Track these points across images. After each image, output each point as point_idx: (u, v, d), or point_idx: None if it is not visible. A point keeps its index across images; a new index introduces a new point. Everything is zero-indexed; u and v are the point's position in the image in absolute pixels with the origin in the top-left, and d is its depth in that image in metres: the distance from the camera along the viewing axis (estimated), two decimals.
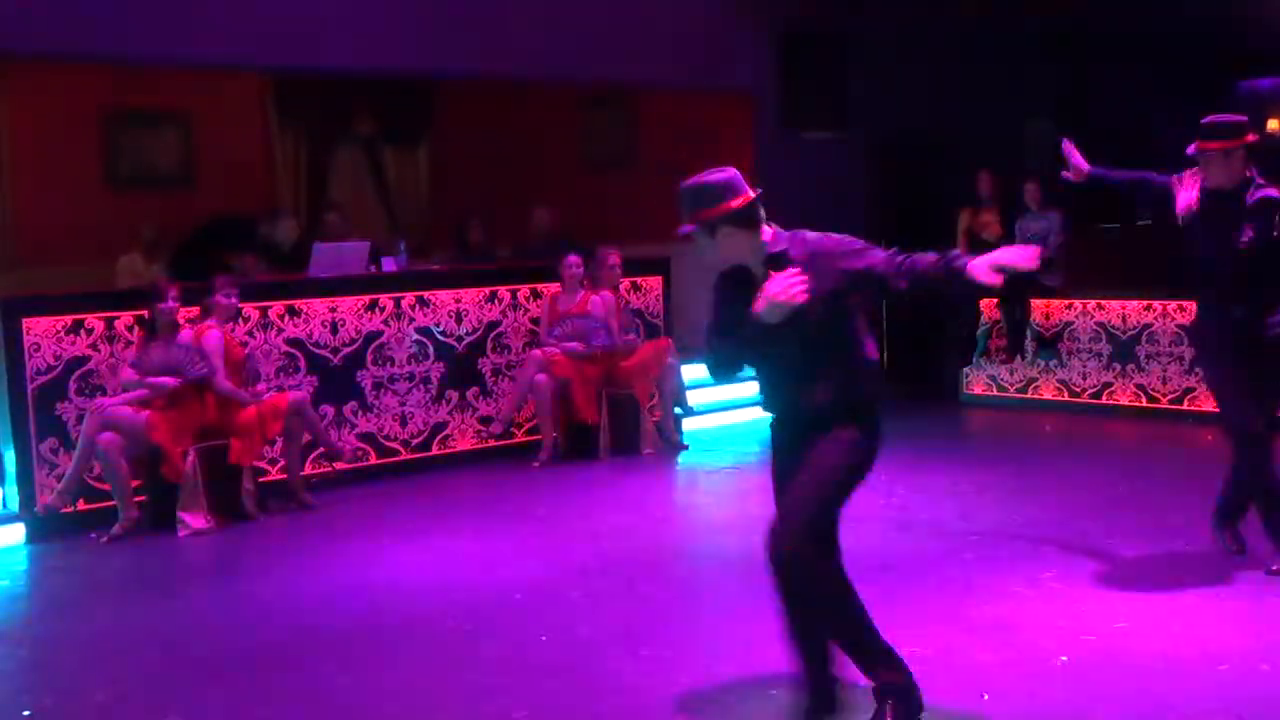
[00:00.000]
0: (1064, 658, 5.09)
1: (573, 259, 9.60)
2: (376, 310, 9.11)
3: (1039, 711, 4.65)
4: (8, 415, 7.76)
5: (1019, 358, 11.24)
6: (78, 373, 7.89)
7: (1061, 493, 7.96)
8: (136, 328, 8.00)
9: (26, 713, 4.99)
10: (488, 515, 8.03)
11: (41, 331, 7.80)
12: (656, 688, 4.97)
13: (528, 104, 12.59)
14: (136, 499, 7.70)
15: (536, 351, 9.47)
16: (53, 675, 5.49)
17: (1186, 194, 6.02)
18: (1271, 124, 12.79)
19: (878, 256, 4.29)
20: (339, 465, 8.66)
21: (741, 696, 4.87)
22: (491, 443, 9.53)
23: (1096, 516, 7.25)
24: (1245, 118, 5.90)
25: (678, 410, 10.01)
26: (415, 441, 9.29)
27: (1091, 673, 4.95)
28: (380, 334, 9.11)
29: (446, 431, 9.44)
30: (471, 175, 12.70)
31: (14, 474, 7.76)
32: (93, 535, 7.61)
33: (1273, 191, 5.83)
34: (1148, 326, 10.48)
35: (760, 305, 4.16)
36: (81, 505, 7.80)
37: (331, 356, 8.91)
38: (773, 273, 4.21)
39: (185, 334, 7.83)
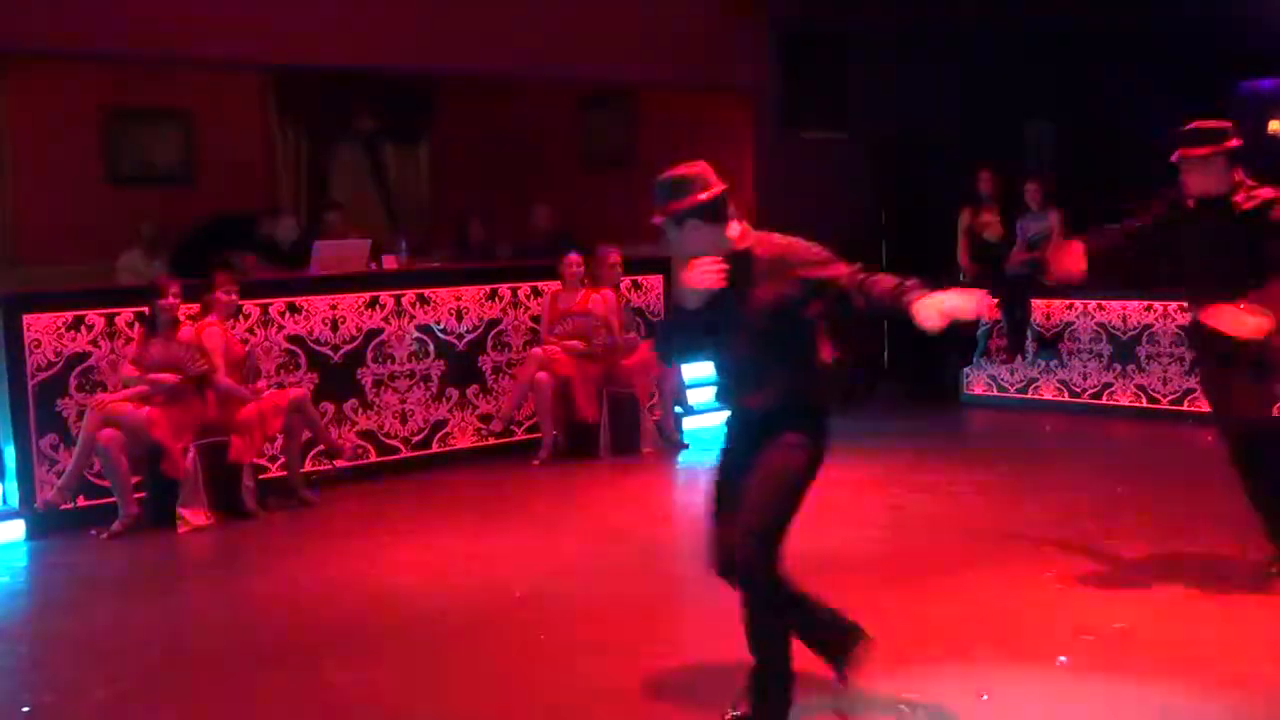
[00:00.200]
0: (1063, 658, 5.10)
1: (573, 257, 9.61)
2: (377, 308, 9.11)
3: (1038, 712, 4.66)
4: (8, 411, 7.76)
5: (1019, 358, 11.25)
6: (78, 369, 7.89)
7: (1061, 493, 7.96)
8: (137, 324, 8.00)
9: (26, 709, 5.00)
10: (487, 513, 8.03)
11: (42, 328, 7.80)
12: (656, 686, 4.98)
13: (528, 103, 12.58)
14: (136, 495, 7.71)
15: (537, 350, 9.47)
16: (52, 672, 5.49)
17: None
18: (1273, 125, 12.80)
19: (841, 270, 4.41)
20: (339, 463, 8.66)
21: (742, 694, 4.86)
22: (491, 441, 9.53)
23: (1096, 517, 7.26)
24: (1228, 124, 5.89)
25: (678, 409, 10.02)
26: (415, 439, 9.29)
27: (1090, 673, 4.95)
28: (381, 331, 9.11)
29: (447, 429, 9.44)
30: (472, 174, 12.70)
31: (14, 470, 7.76)
32: (93, 532, 7.60)
33: (1268, 192, 5.82)
34: (1148, 327, 10.48)
35: (679, 288, 4.34)
36: (81, 502, 7.80)
37: (332, 354, 8.91)
38: (693, 261, 4.36)
39: (186, 331, 7.83)
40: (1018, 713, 4.64)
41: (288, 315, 8.74)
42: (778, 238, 4.51)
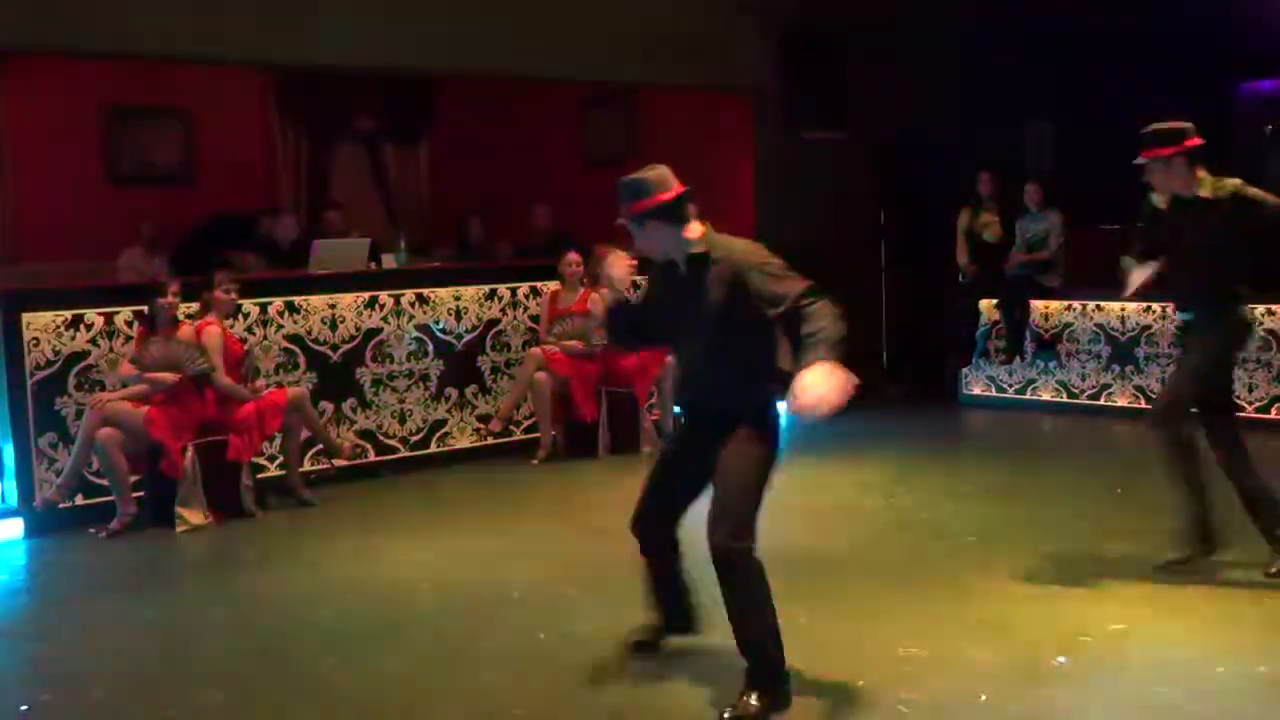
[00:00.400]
0: (1061, 659, 5.10)
1: (572, 257, 9.61)
2: (376, 307, 9.11)
3: (1036, 712, 4.66)
4: (7, 410, 7.76)
5: (1018, 359, 11.25)
6: (77, 368, 7.89)
7: (1060, 493, 7.96)
8: (136, 323, 8.00)
9: (24, 707, 4.99)
10: (486, 513, 8.03)
11: (41, 326, 7.79)
12: (655, 685, 4.98)
13: (528, 102, 12.59)
14: (135, 494, 7.71)
15: (536, 349, 9.48)
16: (50, 670, 5.48)
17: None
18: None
19: (788, 288, 4.47)
20: (338, 462, 8.66)
21: (735, 694, 4.86)
22: (490, 440, 9.53)
23: (1095, 518, 7.26)
24: (1188, 124, 5.96)
25: (677, 409, 10.01)
26: (414, 439, 9.29)
27: (1089, 674, 4.95)
28: (380, 331, 9.11)
29: (445, 429, 9.45)
30: (472, 173, 12.70)
31: (13, 469, 7.76)
32: (91, 530, 7.60)
33: (1234, 182, 5.92)
34: (1147, 328, 10.49)
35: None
36: (80, 500, 7.80)
37: (331, 353, 8.91)
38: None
39: (185, 330, 7.83)
40: (1016, 713, 4.63)
41: (287, 314, 8.74)
42: (738, 243, 4.67)
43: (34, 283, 9.13)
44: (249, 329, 8.53)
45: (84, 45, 8.37)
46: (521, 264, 10.41)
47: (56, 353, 7.84)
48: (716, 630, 5.55)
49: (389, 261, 10.03)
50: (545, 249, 10.51)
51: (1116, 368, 10.66)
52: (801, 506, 7.84)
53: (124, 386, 7.73)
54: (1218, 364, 6.17)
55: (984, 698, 4.73)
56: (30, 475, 7.73)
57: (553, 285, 9.75)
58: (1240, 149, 12.22)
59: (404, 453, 9.22)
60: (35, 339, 7.77)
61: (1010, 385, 11.32)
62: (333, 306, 8.92)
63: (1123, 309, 10.57)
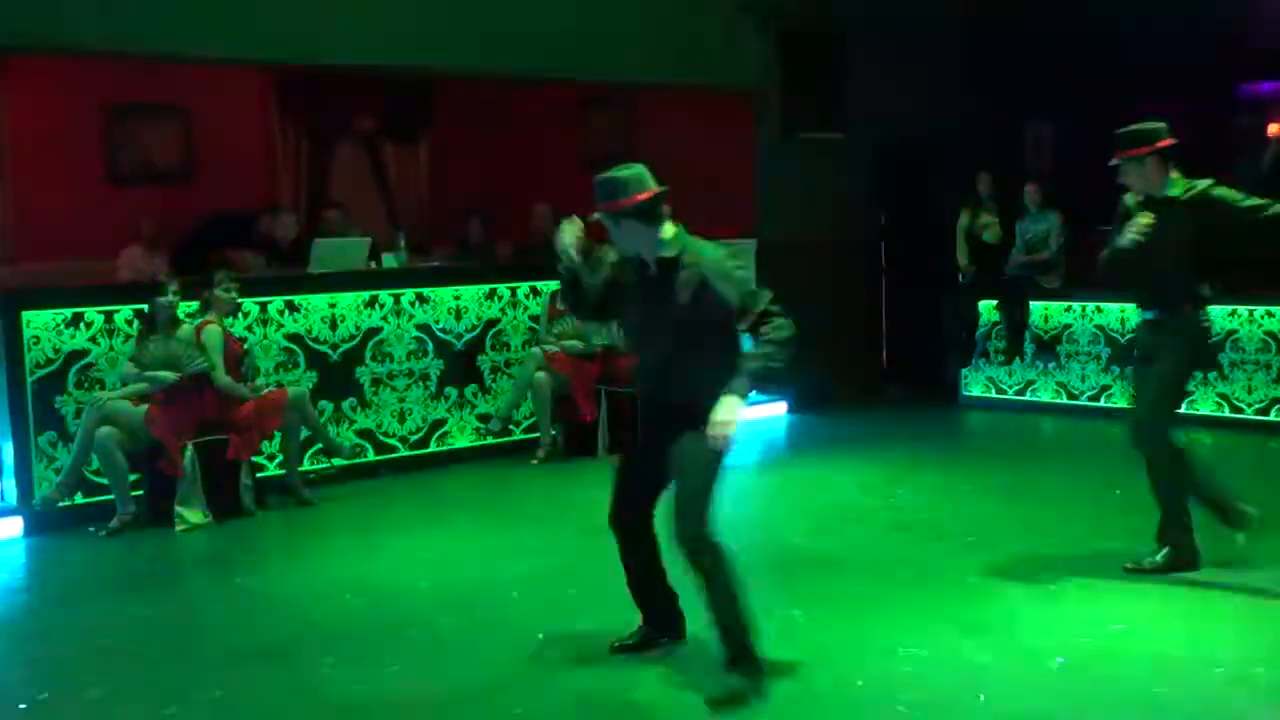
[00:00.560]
0: (1060, 659, 5.10)
1: None
2: (376, 306, 9.11)
3: (1035, 713, 4.66)
4: (6, 408, 7.76)
5: (1018, 359, 11.26)
6: (77, 366, 7.89)
7: (1059, 494, 7.97)
8: (136, 322, 8.00)
9: (23, 705, 4.99)
10: (485, 512, 8.03)
11: (41, 325, 7.79)
12: (651, 685, 4.98)
13: (528, 102, 12.58)
14: (134, 493, 7.71)
15: (536, 349, 9.48)
16: (49, 669, 5.49)
17: None
18: (1273, 128, 12.78)
19: (754, 302, 4.70)
20: (337, 461, 8.66)
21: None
22: (490, 440, 9.53)
23: (1094, 519, 7.27)
24: (1161, 124, 6.07)
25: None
26: (414, 438, 9.29)
27: (1087, 675, 4.96)
28: (379, 330, 9.11)
29: (445, 428, 9.45)
30: (471, 173, 12.69)
31: (12, 467, 7.76)
32: (91, 529, 7.61)
33: (1204, 182, 6.03)
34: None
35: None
36: (80, 499, 7.80)
37: (331, 352, 8.91)
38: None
39: (184, 329, 7.83)
40: (1015, 714, 4.64)
41: (286, 314, 8.74)
42: (708, 249, 4.82)
43: (34, 281, 9.13)
44: (249, 328, 8.53)
45: (84, 44, 8.36)
46: (521, 264, 10.41)
47: (56, 351, 7.84)
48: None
49: (389, 261, 10.02)
50: (545, 249, 10.49)
51: (1116, 369, 10.65)
52: (801, 506, 7.86)
53: (124, 385, 7.73)
54: (1188, 372, 6.37)
55: (983, 698, 4.74)
56: (30, 474, 7.73)
57: (552, 285, 9.75)
58: (1239, 150, 12.23)
59: (404, 452, 9.22)
60: (35, 337, 7.77)
61: (1010, 386, 11.32)
62: (332, 306, 8.92)
63: (1123, 310, 10.57)
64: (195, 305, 8.02)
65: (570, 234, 5.03)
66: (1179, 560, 6.16)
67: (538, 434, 9.44)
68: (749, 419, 10.55)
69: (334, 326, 8.92)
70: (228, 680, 5.18)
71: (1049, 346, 11.09)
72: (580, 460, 9.35)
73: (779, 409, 11.31)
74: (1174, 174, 6.07)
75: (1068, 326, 10.97)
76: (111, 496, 7.66)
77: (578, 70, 10.59)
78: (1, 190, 10.98)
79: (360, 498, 8.39)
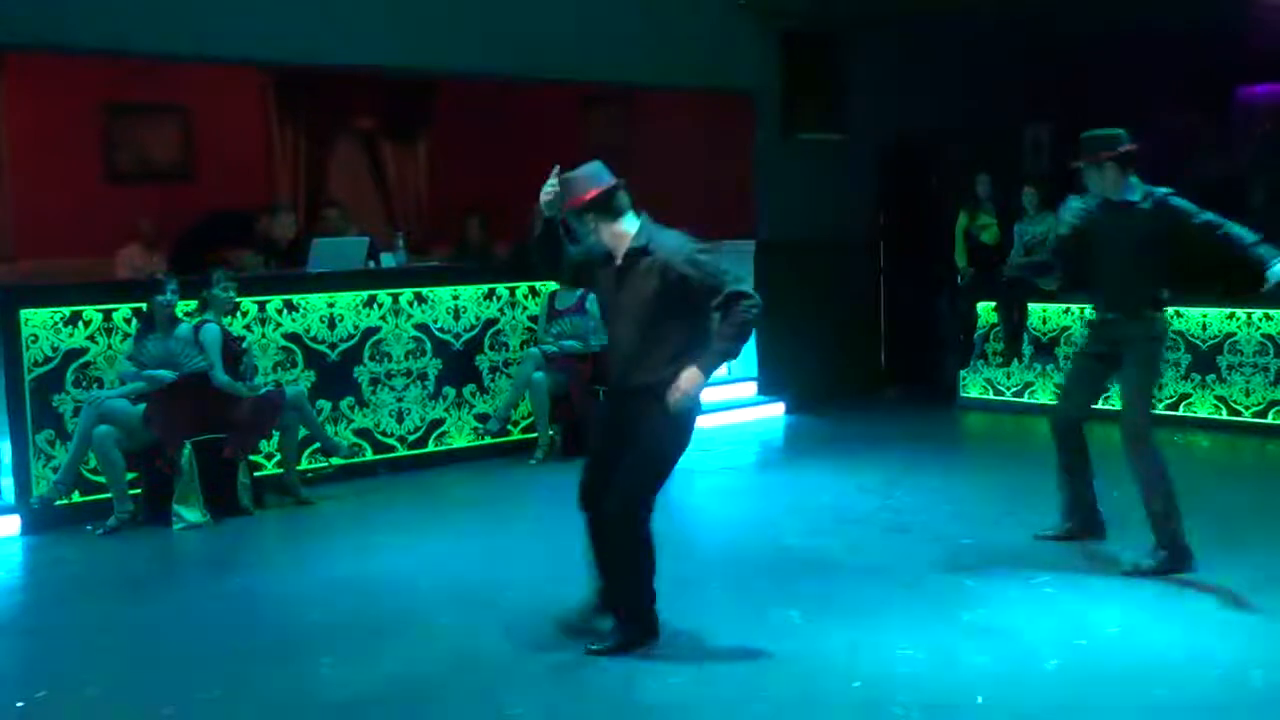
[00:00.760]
0: (1057, 661, 5.10)
1: None
2: (374, 306, 9.11)
3: (1032, 714, 4.66)
4: (4, 407, 7.75)
5: (1016, 361, 11.26)
6: (75, 365, 7.88)
7: (1057, 496, 7.95)
8: (134, 320, 7.99)
9: (20, 704, 4.99)
10: (483, 512, 8.04)
11: (39, 323, 7.79)
12: (650, 685, 4.98)
13: (527, 102, 12.58)
14: (132, 492, 7.70)
15: (534, 349, 9.48)
16: (47, 667, 5.49)
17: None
18: None
19: (720, 283, 4.91)
20: (335, 460, 8.66)
21: (732, 694, 4.87)
22: (488, 439, 9.53)
23: None
24: (1120, 131, 6.31)
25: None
26: (412, 438, 9.29)
27: (1084, 677, 4.96)
28: (378, 330, 9.11)
29: (443, 428, 9.45)
30: (470, 172, 12.69)
31: (10, 465, 7.75)
32: (88, 527, 7.60)
33: (1163, 191, 6.26)
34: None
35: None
36: (77, 497, 7.80)
37: (329, 352, 8.91)
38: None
39: (183, 327, 7.83)
40: (1012, 716, 4.64)
41: (285, 313, 8.74)
42: (671, 237, 5.03)
43: (32, 280, 9.12)
44: (247, 327, 8.53)
45: (83, 43, 8.36)
46: (520, 263, 10.40)
47: (55, 349, 7.84)
48: (715, 630, 5.56)
49: (387, 261, 10.01)
50: None
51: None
52: (799, 508, 7.86)
53: (122, 384, 7.73)
54: (1156, 375, 6.73)
55: (980, 699, 4.74)
56: (27, 472, 7.73)
57: (552, 286, 9.75)
58: (1238, 152, 12.24)
59: (401, 452, 9.22)
60: (33, 336, 7.77)
61: (1008, 388, 11.32)
62: (331, 305, 8.92)
63: None
64: (194, 304, 8.02)
65: (545, 194, 5.15)
66: (1176, 562, 6.20)
67: (536, 434, 9.44)
68: (749, 420, 10.59)
69: (332, 326, 8.92)
70: (226, 679, 5.17)
71: (1047, 348, 11.08)
72: (578, 460, 9.25)
73: (777, 409, 11.31)
74: (1133, 179, 6.30)
75: (1066, 329, 10.96)
76: (109, 495, 7.65)
77: (578, 70, 10.59)
78: (0, 188, 10.97)
79: (358, 497, 8.39)
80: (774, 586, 6.21)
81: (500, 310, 9.73)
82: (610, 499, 5.04)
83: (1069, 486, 6.82)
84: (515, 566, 6.64)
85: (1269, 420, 9.91)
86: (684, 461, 9.39)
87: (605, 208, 5.05)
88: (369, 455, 9.05)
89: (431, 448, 9.37)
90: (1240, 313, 10.05)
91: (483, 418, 9.57)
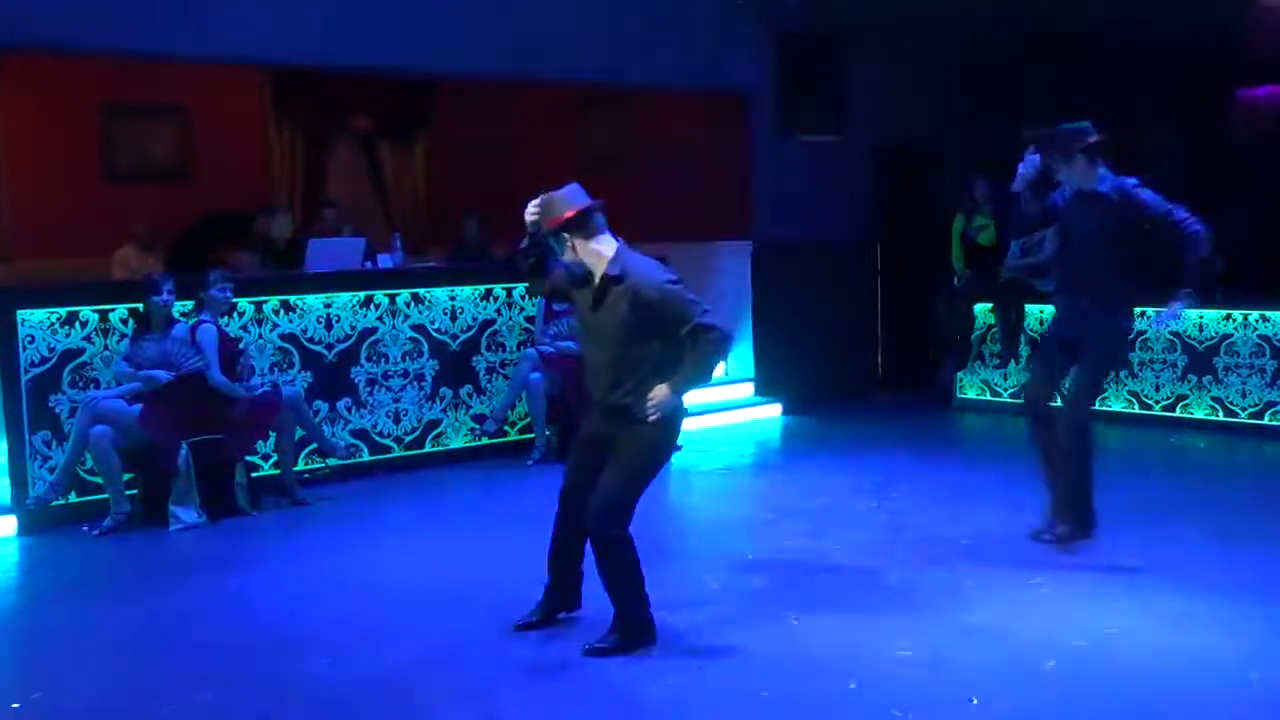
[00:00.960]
0: (1053, 662, 5.11)
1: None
2: (371, 307, 9.11)
3: (1028, 716, 4.66)
4: (1, 407, 7.75)
5: (1013, 362, 11.26)
6: (72, 365, 7.88)
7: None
8: (131, 321, 7.99)
9: (15, 705, 4.99)
10: (480, 513, 8.03)
11: (36, 323, 7.79)
12: (647, 686, 4.98)
13: (525, 103, 12.58)
14: (128, 492, 7.70)
15: (531, 350, 9.48)
16: (42, 669, 5.49)
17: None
18: None
19: (688, 314, 5.06)
20: (332, 461, 8.65)
21: (729, 695, 4.88)
22: (485, 440, 9.53)
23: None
24: (1087, 123, 6.54)
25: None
26: (409, 438, 9.29)
27: (1080, 679, 4.96)
28: (375, 330, 9.11)
29: (440, 429, 9.44)
30: (468, 173, 12.69)
31: (6, 466, 7.75)
32: (85, 528, 7.60)
33: (1130, 180, 6.51)
34: (1141, 333, 10.48)
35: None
36: (74, 498, 7.79)
37: (326, 352, 8.91)
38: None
39: (179, 327, 7.83)
40: (1008, 717, 4.64)
41: (282, 313, 8.73)
42: (645, 265, 5.21)
43: (30, 280, 9.12)
44: (244, 327, 8.52)
45: (81, 43, 8.36)
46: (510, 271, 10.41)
47: (51, 350, 7.83)
48: (711, 629, 5.57)
49: (385, 261, 10.01)
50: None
51: (1111, 372, 10.64)
52: (795, 509, 7.85)
53: (118, 384, 7.73)
54: (1111, 368, 7.14)
55: (976, 701, 4.74)
56: (24, 473, 7.72)
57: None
58: (1238, 153, 12.24)
59: (398, 452, 9.22)
60: (30, 336, 7.76)
61: (1005, 389, 11.32)
62: (328, 306, 8.92)
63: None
64: (190, 304, 8.01)
65: (529, 211, 5.41)
66: (1081, 531, 6.65)
67: (533, 435, 9.43)
68: (746, 420, 10.58)
69: (329, 326, 8.92)
70: (222, 680, 5.17)
71: None
72: None
73: (774, 410, 11.32)
74: (1102, 170, 6.53)
75: None
76: (105, 496, 7.64)
77: (575, 71, 10.60)
78: None
79: (355, 498, 8.38)
80: (771, 587, 6.21)
81: (497, 311, 9.73)
82: (594, 516, 5.18)
83: (1053, 480, 6.88)
84: (512, 567, 6.62)
85: (1266, 421, 9.92)
86: (681, 462, 9.50)
87: (582, 227, 5.22)
88: (366, 456, 9.05)
89: (428, 448, 9.37)
90: (1237, 314, 10.06)
91: (480, 418, 9.57)
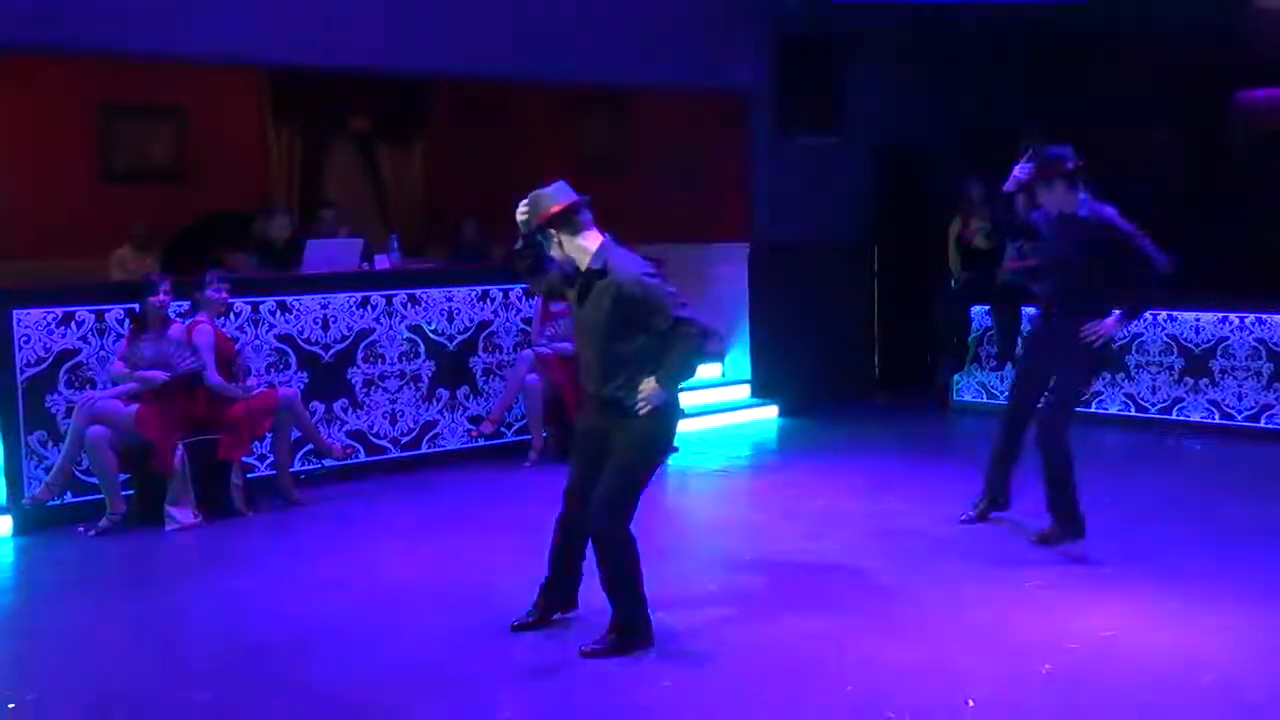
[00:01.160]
0: (1048, 665, 5.10)
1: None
2: (368, 308, 9.10)
3: (1024, 718, 4.66)
4: None
5: (1009, 365, 11.25)
6: (67, 365, 7.87)
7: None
8: (127, 321, 7.98)
9: (11, 705, 4.98)
10: (476, 515, 8.03)
11: (32, 323, 7.78)
12: (644, 687, 4.98)
13: (522, 103, 12.58)
14: (124, 493, 7.69)
15: (528, 351, 9.47)
16: (38, 669, 5.48)
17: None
18: None
19: (667, 310, 5.12)
20: (328, 462, 8.65)
21: (725, 697, 4.87)
22: (481, 442, 9.52)
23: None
24: (1067, 149, 6.72)
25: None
26: (405, 440, 9.28)
27: (1075, 682, 4.96)
28: (371, 331, 9.10)
29: (436, 430, 9.44)
30: (466, 174, 12.69)
31: (2, 466, 7.74)
32: (80, 528, 7.59)
33: (1110, 212, 6.67)
34: (1138, 336, 10.49)
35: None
36: (69, 498, 7.78)
37: (322, 353, 8.90)
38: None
39: (176, 328, 7.82)
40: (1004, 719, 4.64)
41: (278, 314, 8.73)
42: (627, 261, 5.26)
43: (26, 279, 9.11)
44: (241, 328, 8.52)
45: (79, 43, 8.36)
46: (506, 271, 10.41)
47: (47, 350, 7.82)
48: (708, 628, 5.56)
49: (381, 262, 10.01)
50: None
51: (1107, 375, 10.65)
52: (792, 511, 7.85)
53: (115, 385, 7.72)
54: (1091, 379, 7.27)
55: (971, 703, 4.74)
56: (19, 473, 7.71)
57: None
58: (1237, 156, 12.24)
59: (395, 453, 9.21)
60: (26, 336, 7.76)
61: (1001, 391, 11.30)
62: (325, 306, 8.91)
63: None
64: (187, 305, 8.01)
65: (519, 211, 5.48)
66: (1070, 531, 6.74)
67: (529, 436, 9.43)
68: (743, 422, 10.58)
69: (326, 327, 8.91)
70: (218, 680, 5.17)
71: None
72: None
73: (770, 412, 11.31)
74: (1082, 195, 6.71)
75: None
76: (101, 496, 7.63)
77: (573, 72, 10.59)
78: None
79: (351, 499, 8.38)
80: (767, 589, 6.21)
81: (494, 312, 9.72)
82: (594, 515, 5.25)
83: (998, 472, 7.27)
84: (508, 568, 6.62)
85: (1262, 425, 9.92)
86: (678, 464, 9.49)
87: (568, 223, 5.28)
88: (362, 457, 9.04)
89: (425, 450, 9.37)
90: (1233, 317, 10.06)
91: (476, 419, 9.57)
